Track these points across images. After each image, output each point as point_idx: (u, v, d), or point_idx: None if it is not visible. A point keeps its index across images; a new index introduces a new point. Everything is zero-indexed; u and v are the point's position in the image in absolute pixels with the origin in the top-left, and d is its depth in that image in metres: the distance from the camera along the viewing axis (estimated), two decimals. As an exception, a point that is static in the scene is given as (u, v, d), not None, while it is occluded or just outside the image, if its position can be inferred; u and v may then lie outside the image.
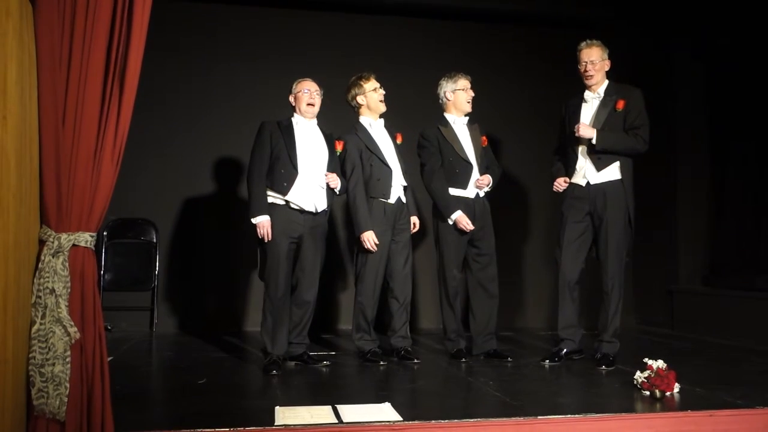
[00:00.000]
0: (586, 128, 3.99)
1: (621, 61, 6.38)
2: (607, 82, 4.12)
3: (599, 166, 4.01)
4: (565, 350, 4.10)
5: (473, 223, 4.18)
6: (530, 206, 6.22)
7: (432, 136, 4.28)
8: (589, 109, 4.12)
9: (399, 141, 4.31)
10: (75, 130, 2.29)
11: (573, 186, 4.12)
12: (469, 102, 4.31)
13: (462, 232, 4.19)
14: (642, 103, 4.06)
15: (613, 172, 4.01)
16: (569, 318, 4.10)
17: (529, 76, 6.18)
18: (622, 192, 4.01)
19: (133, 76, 2.36)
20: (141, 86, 2.43)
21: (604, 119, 4.02)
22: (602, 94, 4.08)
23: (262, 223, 3.83)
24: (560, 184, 4.15)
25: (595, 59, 4.05)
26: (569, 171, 4.14)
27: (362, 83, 4.20)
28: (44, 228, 2.29)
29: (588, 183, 4.05)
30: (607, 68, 4.11)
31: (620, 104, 4.01)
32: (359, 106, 4.23)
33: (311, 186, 3.94)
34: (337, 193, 4.08)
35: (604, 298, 4.02)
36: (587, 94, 4.13)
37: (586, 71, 4.06)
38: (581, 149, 4.08)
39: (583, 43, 4.13)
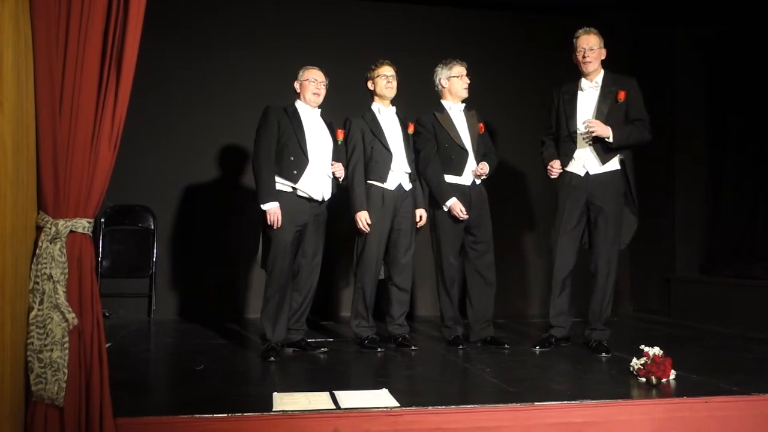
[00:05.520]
0: (602, 127, 3.90)
1: (620, 48, 6.43)
2: (602, 71, 4.07)
3: (604, 159, 3.98)
4: (555, 337, 4.12)
5: (469, 211, 4.17)
6: (526, 193, 6.21)
7: (427, 123, 4.27)
8: (586, 99, 4.06)
9: (411, 131, 4.29)
10: (72, 115, 2.28)
11: (570, 175, 4.06)
12: (465, 89, 4.29)
13: (457, 219, 4.18)
14: (640, 94, 4.04)
15: (613, 163, 4.00)
16: (561, 305, 4.11)
17: (527, 63, 6.15)
18: (621, 182, 4.00)
19: (130, 60, 2.34)
20: (138, 71, 2.41)
21: (607, 111, 3.97)
22: (600, 84, 4.04)
23: (272, 209, 3.78)
24: (554, 167, 4.08)
25: (593, 46, 3.99)
26: (565, 159, 4.08)
27: (373, 68, 4.21)
28: (41, 214, 2.28)
29: (587, 173, 4.02)
30: (603, 57, 4.06)
31: (621, 95, 3.97)
32: (371, 90, 4.24)
33: (320, 174, 3.93)
34: (341, 182, 4.08)
35: (597, 286, 4.01)
36: (584, 82, 4.08)
37: (584, 58, 4.00)
38: (583, 140, 4.02)
39: (581, 30, 4.07)
